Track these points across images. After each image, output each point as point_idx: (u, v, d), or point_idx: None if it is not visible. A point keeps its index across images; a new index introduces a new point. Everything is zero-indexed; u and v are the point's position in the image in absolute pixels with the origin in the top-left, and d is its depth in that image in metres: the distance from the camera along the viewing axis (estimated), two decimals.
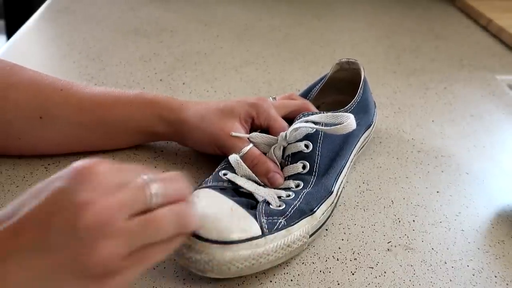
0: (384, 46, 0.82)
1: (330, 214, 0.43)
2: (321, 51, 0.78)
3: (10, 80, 0.45)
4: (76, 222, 0.26)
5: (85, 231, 0.26)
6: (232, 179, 0.41)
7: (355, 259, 0.41)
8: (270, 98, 0.50)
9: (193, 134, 0.47)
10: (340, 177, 0.45)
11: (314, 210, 0.40)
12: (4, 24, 1.61)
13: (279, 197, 0.41)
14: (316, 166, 0.43)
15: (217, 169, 0.44)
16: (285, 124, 0.46)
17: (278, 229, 0.37)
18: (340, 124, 0.41)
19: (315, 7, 0.97)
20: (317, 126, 0.42)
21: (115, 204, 0.27)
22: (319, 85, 0.53)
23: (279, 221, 0.38)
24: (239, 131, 0.45)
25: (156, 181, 0.29)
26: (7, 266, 0.26)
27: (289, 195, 0.41)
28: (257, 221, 0.37)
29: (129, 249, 0.28)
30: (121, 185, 0.28)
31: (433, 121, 0.62)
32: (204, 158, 0.50)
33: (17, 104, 0.45)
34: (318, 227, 0.41)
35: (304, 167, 0.43)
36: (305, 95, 0.53)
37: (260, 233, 0.36)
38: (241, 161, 0.42)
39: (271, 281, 0.38)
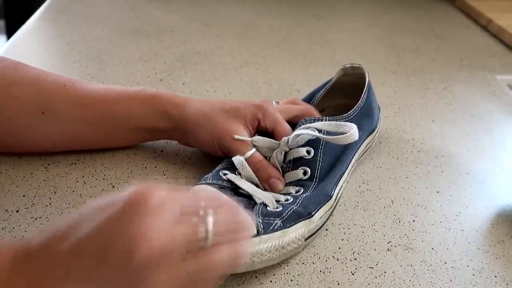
0: (384, 46, 0.82)
1: (328, 218, 0.43)
2: (321, 51, 0.78)
3: (13, 77, 0.46)
4: (131, 255, 0.25)
5: (139, 265, 0.25)
6: (232, 180, 0.41)
7: (355, 259, 0.41)
8: (273, 102, 0.49)
9: (195, 132, 0.46)
10: (340, 182, 0.45)
11: (312, 213, 0.40)
12: (4, 24, 1.61)
13: (278, 201, 0.41)
14: (317, 172, 0.43)
15: (217, 168, 0.44)
16: (289, 128, 0.46)
17: (273, 230, 0.37)
18: (342, 134, 0.41)
19: (315, 7, 0.97)
20: (318, 134, 0.42)
21: (170, 240, 0.26)
22: (323, 89, 0.53)
23: (275, 222, 0.38)
24: (243, 134, 0.45)
25: (214, 214, 0.28)
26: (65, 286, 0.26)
27: (287, 199, 0.41)
28: (253, 220, 0.37)
29: (180, 283, 0.27)
30: (178, 218, 0.27)
31: (433, 121, 0.62)
32: (204, 158, 0.50)
33: (19, 100, 0.45)
34: (314, 231, 0.41)
35: (305, 173, 0.43)
36: (309, 99, 0.53)
37: (255, 232, 0.36)
38: (246, 163, 0.42)
39: (271, 281, 0.38)
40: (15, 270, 0.27)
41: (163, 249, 0.26)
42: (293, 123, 0.46)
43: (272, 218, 0.38)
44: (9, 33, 1.59)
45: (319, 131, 0.43)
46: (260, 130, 0.47)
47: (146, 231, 0.25)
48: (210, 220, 0.28)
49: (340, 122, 0.43)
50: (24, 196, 0.44)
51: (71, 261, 0.26)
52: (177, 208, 0.27)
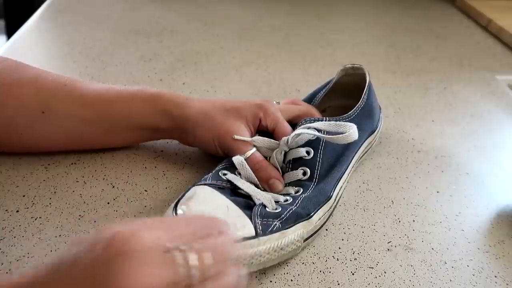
0: (384, 46, 0.82)
1: (327, 219, 0.43)
2: (321, 51, 0.78)
3: (14, 77, 0.46)
4: None
5: None
6: (232, 180, 0.41)
7: (355, 259, 0.41)
8: (274, 102, 0.49)
9: (196, 132, 0.46)
10: (340, 183, 0.45)
11: (311, 214, 0.40)
12: (4, 24, 1.61)
13: (277, 202, 0.40)
14: (317, 172, 0.43)
15: (217, 168, 0.44)
16: (290, 128, 0.46)
17: (272, 231, 0.37)
18: (342, 133, 0.41)
19: (315, 7, 0.97)
20: (318, 134, 0.42)
21: (152, 284, 0.25)
22: (324, 90, 0.53)
23: (274, 223, 0.38)
24: (245, 133, 0.45)
25: (197, 252, 0.27)
26: None
27: (286, 200, 0.41)
28: (251, 221, 0.37)
29: None
30: (161, 259, 0.26)
31: (433, 121, 0.62)
32: (204, 158, 0.50)
33: (20, 99, 0.45)
34: (313, 231, 0.41)
35: (304, 173, 0.43)
36: (309, 100, 0.53)
37: (253, 233, 0.36)
38: (246, 163, 0.42)
39: (271, 281, 0.38)
40: None
41: None
42: (294, 124, 0.46)
43: (271, 220, 0.38)
44: (9, 33, 1.59)
45: (319, 131, 0.43)
46: (261, 130, 0.47)
47: (129, 281, 0.24)
48: (194, 257, 0.27)
49: (340, 122, 0.43)
50: (24, 196, 0.44)
51: None
52: (159, 248, 0.26)
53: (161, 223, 0.28)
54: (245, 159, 0.43)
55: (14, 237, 0.40)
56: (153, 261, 0.25)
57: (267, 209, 0.39)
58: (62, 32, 0.77)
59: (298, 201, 0.40)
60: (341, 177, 0.45)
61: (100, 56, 0.70)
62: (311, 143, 0.43)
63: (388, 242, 0.43)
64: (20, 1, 1.54)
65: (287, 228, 0.38)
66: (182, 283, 0.26)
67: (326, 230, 0.43)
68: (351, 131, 0.41)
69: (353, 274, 0.39)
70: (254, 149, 0.44)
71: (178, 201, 0.38)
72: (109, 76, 0.65)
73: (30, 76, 0.46)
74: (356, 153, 0.49)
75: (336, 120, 0.44)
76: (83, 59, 0.69)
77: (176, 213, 0.37)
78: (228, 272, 0.28)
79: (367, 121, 0.50)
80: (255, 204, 0.40)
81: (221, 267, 0.28)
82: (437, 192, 0.49)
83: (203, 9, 0.91)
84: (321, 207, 0.41)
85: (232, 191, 0.41)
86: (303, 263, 0.40)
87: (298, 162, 0.43)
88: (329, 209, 0.43)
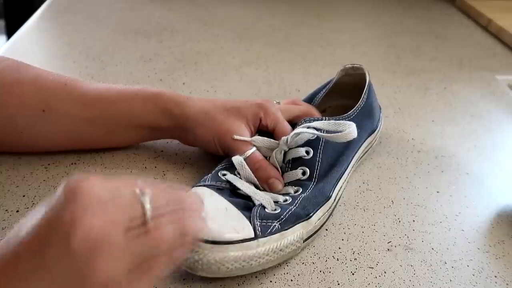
0: (384, 46, 0.82)
1: (327, 219, 0.43)
2: (321, 51, 0.78)
3: (14, 76, 0.46)
4: (69, 242, 0.24)
5: (79, 251, 0.25)
6: (231, 180, 0.41)
7: (355, 259, 0.41)
8: (274, 102, 0.49)
9: (196, 131, 0.46)
10: (339, 183, 0.45)
11: (311, 215, 0.40)
12: (4, 24, 1.61)
13: (276, 202, 0.40)
14: (316, 172, 0.43)
15: (216, 168, 0.44)
16: (290, 128, 0.46)
17: (271, 233, 0.37)
18: (341, 132, 0.41)
19: (315, 7, 0.97)
20: (317, 133, 0.42)
21: (107, 220, 0.26)
22: (324, 90, 0.53)
23: (273, 224, 0.38)
24: (245, 133, 0.45)
25: (150, 193, 0.28)
26: None
27: (286, 200, 0.41)
28: (251, 223, 0.37)
29: (128, 265, 0.26)
30: (113, 200, 0.27)
31: (433, 121, 0.62)
32: (204, 158, 0.50)
33: (21, 98, 0.45)
34: (313, 232, 0.41)
35: (304, 173, 0.43)
36: (309, 100, 0.53)
37: (253, 235, 0.36)
38: (245, 163, 0.42)
39: (271, 281, 0.38)
40: None
41: (100, 230, 0.25)
42: (294, 124, 0.46)
43: (270, 221, 0.38)
44: (9, 33, 1.59)
45: (318, 130, 0.43)
46: (261, 130, 0.47)
47: (81, 215, 0.25)
48: (147, 198, 0.28)
49: (339, 121, 0.42)
50: (24, 196, 0.44)
51: (17, 261, 0.25)
52: (112, 192, 0.27)
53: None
54: (245, 159, 0.43)
55: None
56: (106, 201, 0.26)
57: (266, 210, 0.39)
58: (62, 32, 0.77)
59: (298, 201, 0.40)
60: (340, 177, 0.45)
61: (100, 56, 0.70)
62: (311, 143, 0.43)
63: (388, 242, 0.43)
64: (20, 1, 1.54)
65: (287, 229, 0.38)
66: (136, 223, 0.27)
67: (326, 230, 0.43)
68: (350, 129, 0.41)
69: (353, 274, 0.39)
70: (254, 148, 0.44)
71: None
72: (109, 76, 0.65)
73: (31, 75, 0.47)
74: (356, 153, 0.49)
75: (335, 120, 0.44)
76: (83, 59, 0.69)
77: None
78: (186, 217, 0.29)
79: (367, 121, 0.50)
80: (254, 205, 0.40)
81: (177, 212, 0.29)
82: (437, 192, 0.49)
83: (203, 9, 0.91)
84: (320, 207, 0.41)
85: (232, 192, 0.41)
86: (303, 263, 0.40)
87: (297, 162, 0.43)
88: (329, 209, 0.43)
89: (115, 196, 0.27)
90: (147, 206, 0.27)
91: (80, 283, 0.25)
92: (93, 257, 0.25)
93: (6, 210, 0.43)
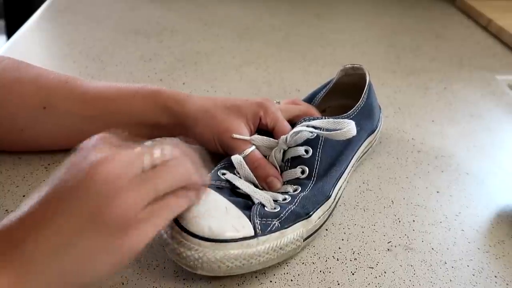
0: (384, 45, 0.82)
1: (327, 218, 0.43)
2: (321, 51, 0.78)
3: (15, 75, 0.46)
4: (92, 177, 0.28)
5: (101, 185, 0.28)
6: (230, 180, 0.41)
7: (355, 259, 0.41)
8: (274, 101, 0.49)
9: (196, 129, 0.46)
10: (339, 182, 0.45)
11: (310, 214, 0.40)
12: (4, 24, 1.61)
13: (276, 201, 0.40)
14: (315, 171, 0.43)
15: (216, 168, 0.44)
16: (289, 127, 0.46)
17: (271, 231, 0.37)
18: (340, 130, 0.41)
19: (315, 7, 0.97)
20: (316, 131, 0.42)
21: (127, 159, 0.30)
22: (324, 90, 0.53)
23: (273, 223, 0.38)
24: (244, 132, 0.45)
25: (159, 144, 0.33)
26: (40, 234, 0.28)
27: (285, 199, 0.41)
28: (250, 221, 0.37)
29: (145, 198, 0.30)
30: (127, 149, 0.31)
31: (433, 121, 0.62)
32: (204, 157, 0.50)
33: (21, 96, 0.45)
34: (313, 231, 0.41)
35: (303, 172, 0.43)
36: (309, 100, 0.53)
37: (253, 233, 0.36)
38: (244, 162, 0.42)
39: (271, 281, 0.38)
40: None
41: (121, 167, 0.29)
42: (294, 123, 0.46)
43: (270, 219, 0.38)
44: (9, 33, 1.59)
45: (317, 128, 0.43)
46: (261, 129, 0.47)
47: (102, 156, 0.29)
48: (157, 150, 0.32)
49: (338, 119, 0.42)
50: (24, 196, 0.44)
51: (48, 205, 0.29)
52: (127, 144, 0.31)
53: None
54: (244, 158, 0.43)
55: None
56: (123, 150, 0.30)
57: (266, 208, 0.39)
58: (62, 32, 0.77)
59: (297, 200, 0.40)
60: (340, 177, 0.45)
61: (100, 56, 0.70)
62: (310, 142, 0.43)
63: (388, 242, 0.43)
64: (20, 1, 1.54)
65: (286, 228, 0.38)
66: (149, 161, 0.31)
67: (326, 230, 0.43)
68: (349, 127, 0.41)
69: (353, 274, 0.39)
70: (253, 147, 0.44)
71: None
72: (109, 76, 0.65)
73: (31, 74, 0.47)
74: (355, 153, 0.49)
75: (335, 119, 0.44)
76: (83, 59, 0.69)
77: None
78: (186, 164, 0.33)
79: (367, 121, 0.50)
80: (254, 203, 0.40)
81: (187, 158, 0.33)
82: (437, 192, 0.49)
83: (203, 9, 0.91)
84: (320, 206, 0.41)
85: (231, 191, 0.41)
86: (303, 263, 0.40)
87: (296, 161, 0.43)
88: (329, 208, 0.43)
89: (128, 147, 0.31)
90: (158, 154, 0.32)
91: (100, 216, 0.28)
92: (114, 191, 0.28)
93: (6, 210, 0.43)
